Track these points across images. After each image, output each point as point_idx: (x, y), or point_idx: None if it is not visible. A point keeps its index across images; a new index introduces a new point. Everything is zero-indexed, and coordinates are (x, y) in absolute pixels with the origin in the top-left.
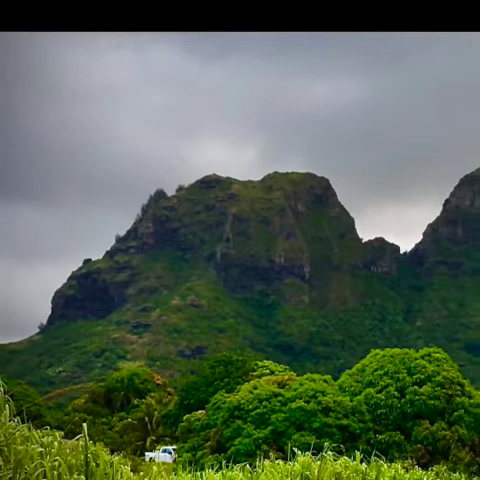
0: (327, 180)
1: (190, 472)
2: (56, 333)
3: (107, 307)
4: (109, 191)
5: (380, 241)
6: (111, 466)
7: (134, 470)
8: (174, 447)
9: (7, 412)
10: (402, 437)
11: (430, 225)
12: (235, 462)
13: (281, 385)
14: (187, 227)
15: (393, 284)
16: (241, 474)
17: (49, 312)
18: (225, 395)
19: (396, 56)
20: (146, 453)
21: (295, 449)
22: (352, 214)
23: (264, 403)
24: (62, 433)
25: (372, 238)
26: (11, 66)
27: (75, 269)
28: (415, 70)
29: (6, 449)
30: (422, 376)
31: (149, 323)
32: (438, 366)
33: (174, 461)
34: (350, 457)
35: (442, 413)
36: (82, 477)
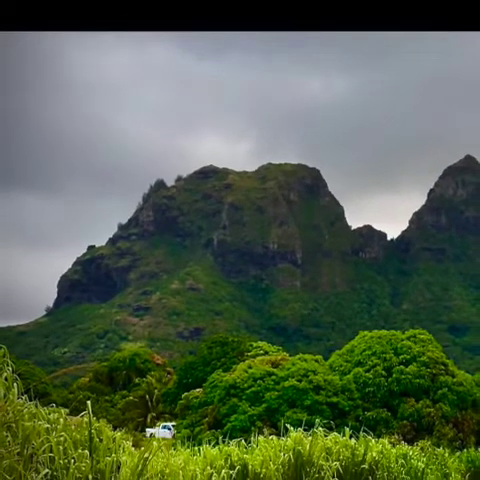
0: (318, 171)
1: (188, 447)
2: (62, 316)
3: (110, 291)
4: (112, 181)
5: (368, 228)
6: (114, 441)
7: (135, 445)
8: (173, 423)
9: (15, 390)
10: (389, 414)
11: (415, 213)
12: (231, 437)
13: (274, 365)
14: (185, 215)
15: (380, 269)
16: (237, 449)
17: (55, 296)
18: (221, 374)
19: (383, 54)
20: (147, 429)
21: (288, 425)
22: (342, 203)
23: (258, 382)
24: (67, 410)
25: (360, 226)
26: (19, 63)
27: (80, 255)
28: (401, 67)
29: (14, 425)
30: (408, 356)
31: (149, 306)
32: (423, 347)
33: (173, 437)
34: (340, 433)
35: (427, 391)
36: (86, 452)
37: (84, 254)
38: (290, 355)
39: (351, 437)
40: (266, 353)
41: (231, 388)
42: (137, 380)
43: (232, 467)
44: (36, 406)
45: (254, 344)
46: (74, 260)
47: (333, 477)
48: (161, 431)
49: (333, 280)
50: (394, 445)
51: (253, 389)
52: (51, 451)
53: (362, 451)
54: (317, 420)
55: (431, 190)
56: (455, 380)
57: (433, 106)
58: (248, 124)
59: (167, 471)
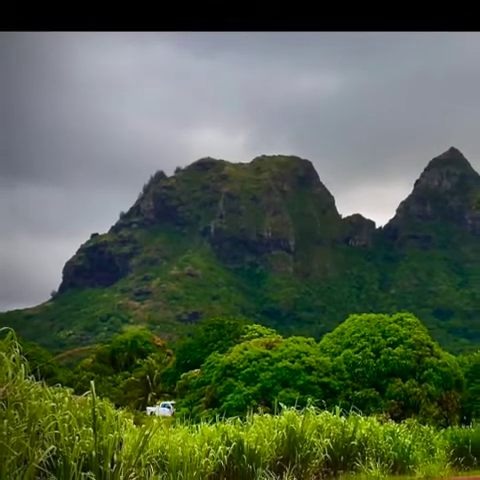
0: (310, 163)
1: (187, 425)
2: (67, 300)
3: (112, 276)
4: (114, 172)
5: (357, 217)
6: (116, 419)
7: (136, 423)
8: (173, 402)
9: (23, 371)
10: (377, 393)
11: (402, 203)
12: (227, 416)
13: (269, 346)
14: (184, 205)
15: (369, 256)
16: (233, 426)
17: (60, 281)
18: (218, 355)
19: (372, 52)
20: (147, 407)
21: (281, 404)
22: (332, 193)
23: (253, 363)
24: (72, 390)
25: (350, 214)
26: (27, 62)
27: (83, 242)
28: (389, 65)
29: (22, 404)
30: (395, 338)
31: (150, 291)
32: (409, 329)
33: (173, 415)
34: (330, 411)
35: (413, 372)
36: (90, 429)
37: (88, 241)
38: (283, 337)
39: (341, 415)
40: (261, 335)
41: (227, 369)
42: (138, 361)
43: (228, 443)
44: (42, 386)
45: (249, 327)
46: (78, 247)
47: (324, 453)
48: (161, 409)
49: (324, 266)
50: (382, 423)
51: (248, 369)
52: (57, 428)
53: (352, 428)
54: (309, 399)
55: (417, 181)
56: (440, 361)
57: (420, 102)
58: (244, 118)
59: (167, 447)
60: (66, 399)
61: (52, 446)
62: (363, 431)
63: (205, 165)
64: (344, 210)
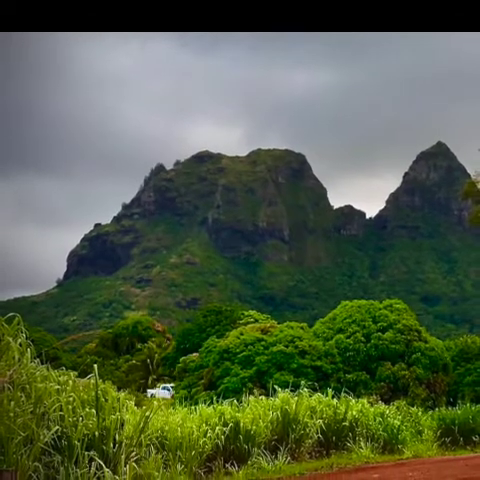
0: (303, 156)
1: (186, 406)
2: (71, 287)
3: (114, 265)
4: (116, 165)
5: (349, 208)
6: (118, 401)
7: (137, 405)
8: (172, 385)
9: (29, 355)
10: (368, 376)
11: (392, 194)
12: (224, 398)
13: (264, 331)
14: (183, 196)
15: (360, 245)
16: (230, 408)
17: (65, 269)
18: (216, 340)
19: (365, 50)
20: (148, 390)
21: (276, 386)
22: (325, 185)
23: (249, 347)
24: (76, 373)
25: (342, 205)
26: (32, 60)
27: (87, 232)
28: (380, 63)
29: (28, 386)
30: (385, 324)
31: (150, 278)
32: (399, 315)
33: (172, 397)
34: (323, 394)
35: (402, 355)
36: (93, 411)
37: (91, 231)
38: (278, 323)
39: (333, 397)
40: (256, 321)
41: (224, 353)
42: (139, 345)
43: (225, 424)
44: (47, 369)
45: (245, 313)
46: (82, 237)
47: (317, 433)
48: (161, 392)
49: (317, 255)
50: (372, 405)
51: (244, 353)
52: (61, 410)
53: (343, 410)
54: (302, 382)
55: (406, 173)
56: (428, 345)
57: (408, 98)
58: (240, 113)
59: (166, 428)
60: (70, 382)
61: (57, 427)
62: (354, 412)
63: (203, 158)
64: (336, 201)
